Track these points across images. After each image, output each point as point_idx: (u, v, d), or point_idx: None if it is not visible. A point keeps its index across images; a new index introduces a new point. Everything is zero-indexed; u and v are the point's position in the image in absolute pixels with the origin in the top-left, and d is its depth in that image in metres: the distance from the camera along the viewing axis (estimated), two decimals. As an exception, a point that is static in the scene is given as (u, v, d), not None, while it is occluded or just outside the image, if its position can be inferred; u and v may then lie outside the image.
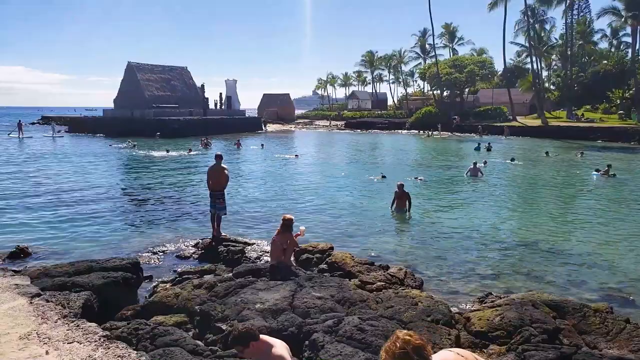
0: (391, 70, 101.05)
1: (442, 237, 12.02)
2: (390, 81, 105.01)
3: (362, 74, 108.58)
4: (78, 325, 4.00)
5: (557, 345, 5.80)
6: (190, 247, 10.72)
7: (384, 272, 8.51)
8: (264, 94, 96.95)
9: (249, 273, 8.18)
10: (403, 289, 7.56)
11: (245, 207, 15.35)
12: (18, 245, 10.08)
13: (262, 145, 39.15)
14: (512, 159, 28.81)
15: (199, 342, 5.77)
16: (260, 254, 10.41)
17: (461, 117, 63.16)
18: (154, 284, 8.38)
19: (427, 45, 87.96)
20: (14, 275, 5.35)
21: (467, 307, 7.65)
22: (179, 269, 9.22)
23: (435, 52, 77.61)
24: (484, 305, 7.36)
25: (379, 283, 7.86)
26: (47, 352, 3.54)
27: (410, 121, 68.39)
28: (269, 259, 9.30)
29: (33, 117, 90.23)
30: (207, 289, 7.45)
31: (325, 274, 8.47)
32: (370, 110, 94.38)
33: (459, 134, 56.85)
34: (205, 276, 8.41)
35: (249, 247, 10.77)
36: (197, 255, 10.26)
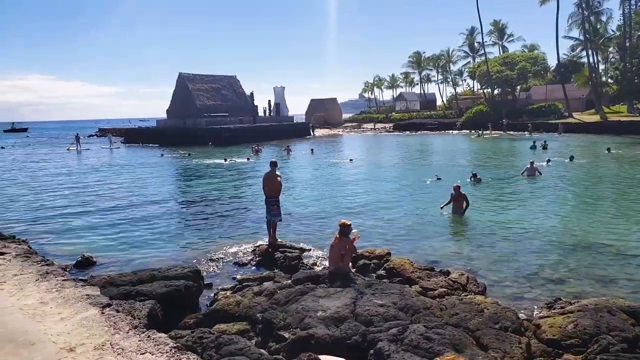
0: (439, 70, 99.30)
1: (502, 239, 11.55)
2: (439, 81, 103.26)
3: (409, 75, 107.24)
4: (149, 336, 4.03)
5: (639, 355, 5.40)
6: (248, 254, 10.79)
7: (445, 277, 8.24)
8: (311, 99, 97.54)
9: (308, 280, 8.15)
10: (466, 295, 7.28)
11: (299, 213, 15.37)
12: (83, 255, 10.45)
13: (312, 150, 39.32)
14: (572, 158, 27.40)
15: (263, 351, 5.75)
16: (317, 260, 10.39)
17: (514, 116, 61.11)
18: (215, 292, 8.46)
19: (475, 44, 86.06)
20: (84, 286, 5.49)
21: (535, 313, 7.27)
22: (238, 276, 9.28)
23: (484, 50, 75.89)
24: (553, 311, 6.96)
25: (440, 289, 7.61)
26: (121, 363, 3.57)
27: (461, 121, 67.03)
28: (327, 265, 9.26)
29: (90, 130, 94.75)
30: (267, 296, 7.45)
31: (384, 281, 8.32)
32: (419, 111, 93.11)
33: (511, 133, 55.04)
34: (264, 283, 8.42)
35: (305, 253, 10.77)
36: (254, 262, 10.31)
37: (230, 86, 68.13)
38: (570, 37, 74.10)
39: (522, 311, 7.29)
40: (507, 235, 11.91)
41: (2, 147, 56.80)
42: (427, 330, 5.64)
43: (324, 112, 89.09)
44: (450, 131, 64.26)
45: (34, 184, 24.00)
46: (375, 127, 78.64)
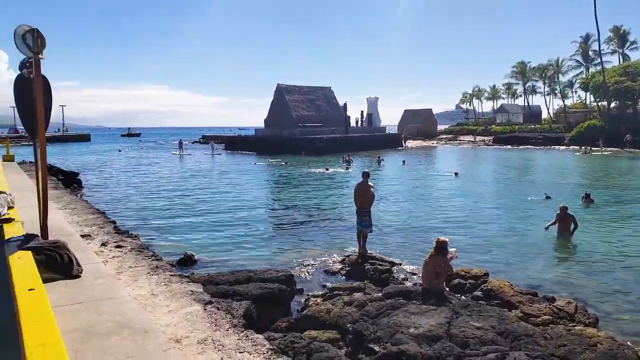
0: (546, 81, 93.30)
1: (619, 267, 10.54)
2: (545, 93, 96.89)
3: (512, 86, 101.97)
4: (247, 336, 4.17)
5: None
6: (337, 263, 10.83)
7: (550, 304, 7.66)
8: (405, 110, 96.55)
9: (400, 294, 7.99)
10: (574, 326, 6.71)
11: (390, 225, 15.18)
12: (186, 253, 11.09)
13: (404, 162, 38.80)
14: None
15: (353, 362, 5.71)
16: (407, 275, 10.18)
17: (634, 132, 55.52)
18: (305, 298, 8.58)
19: (590, 52, 79.30)
20: (189, 282, 5.83)
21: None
22: (329, 284, 9.33)
23: (601, 59, 69.39)
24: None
25: (544, 317, 7.09)
26: (221, 359, 3.71)
27: (570, 136, 62.33)
28: (419, 282, 9.03)
29: (195, 137, 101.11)
30: (358, 307, 7.41)
31: (481, 302, 7.92)
32: (522, 124, 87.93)
33: (631, 150, 50.19)
34: (355, 294, 8.37)
35: (396, 267, 10.58)
36: (344, 272, 10.31)
37: (325, 97, 69.44)
38: None
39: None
40: (624, 263, 10.86)
41: (119, 150, 62.60)
42: None
43: (418, 123, 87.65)
44: (557, 147, 60.15)
45: (143, 185, 26.09)
46: (477, 140, 75.49)
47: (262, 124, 68.68)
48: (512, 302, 7.81)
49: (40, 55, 5.27)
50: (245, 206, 19.04)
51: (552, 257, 11.79)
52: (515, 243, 12.95)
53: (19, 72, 5.76)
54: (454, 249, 8.75)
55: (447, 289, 8.41)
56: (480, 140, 74.49)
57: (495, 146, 66.29)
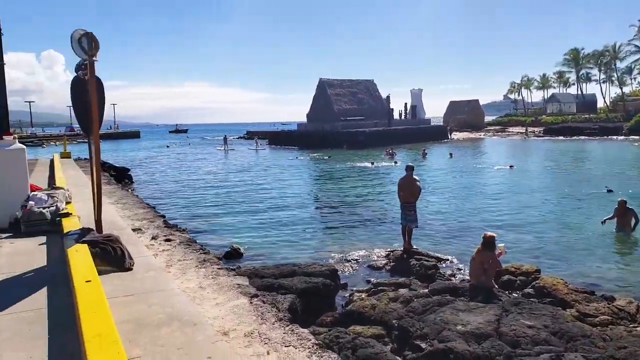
0: (602, 69, 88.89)
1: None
2: (601, 80, 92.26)
3: (563, 75, 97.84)
4: (292, 330, 4.20)
5: None
6: (382, 258, 10.75)
7: (609, 304, 7.31)
8: (450, 101, 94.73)
9: (446, 291, 7.87)
10: (636, 327, 6.38)
11: (436, 220, 14.92)
12: (232, 246, 11.30)
13: (451, 154, 38.05)
14: None
15: (398, 358, 5.66)
16: (454, 271, 9.98)
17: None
18: (350, 293, 8.56)
19: (652, 36, 74.86)
20: (235, 275, 5.94)
21: None
22: (373, 280, 9.29)
23: (663, 43, 65.63)
24: None
25: (602, 317, 6.77)
26: (268, 353, 3.76)
27: (629, 125, 59.31)
28: (467, 278, 8.85)
29: (239, 132, 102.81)
30: (403, 303, 7.34)
31: (532, 300, 7.65)
32: (575, 114, 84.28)
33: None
34: (400, 289, 8.29)
35: (442, 263, 10.41)
36: (389, 267, 10.22)
37: (367, 90, 68.95)
38: None
39: None
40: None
41: (167, 146, 64.56)
42: (586, 361, 5.06)
43: (464, 115, 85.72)
44: (614, 137, 57.31)
45: (190, 180, 26.80)
46: (527, 131, 72.97)
47: (304, 119, 69.04)
48: (566, 301, 7.51)
49: (94, 58, 5.48)
50: (289, 200, 19.20)
51: (610, 254, 11.22)
52: (570, 238, 12.45)
53: (75, 74, 6.00)
54: (503, 245, 8.52)
55: (496, 285, 8.19)
56: (530, 132, 71.99)
57: (546, 137, 63.94)
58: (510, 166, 29.29)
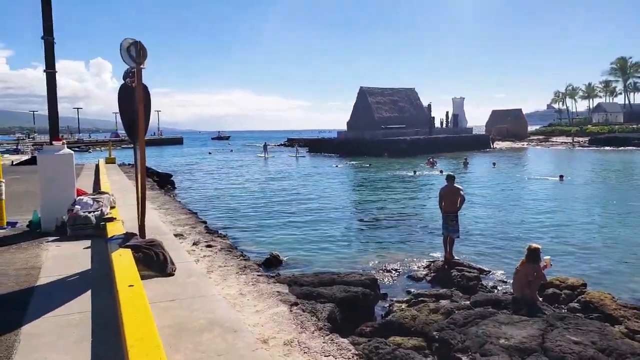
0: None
1: None
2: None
3: (610, 84, 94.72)
4: (332, 340, 4.15)
5: None
6: (422, 269, 10.57)
7: (662, 321, 6.92)
8: (493, 110, 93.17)
9: (489, 303, 7.64)
10: (693, 347, 5.99)
11: (478, 231, 14.58)
12: (272, 253, 11.34)
13: (494, 164, 37.19)
14: None
15: (439, 372, 5.51)
16: (497, 283, 9.74)
17: None
18: (389, 303, 8.45)
19: None
20: (275, 283, 5.95)
21: None
22: (413, 290, 9.13)
23: None
24: None
25: (655, 335, 6.41)
26: (307, 362, 3.72)
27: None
28: (510, 290, 8.59)
29: (280, 139, 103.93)
30: (444, 314, 7.17)
31: (578, 315, 7.34)
32: (622, 124, 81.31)
33: None
34: (441, 301, 8.11)
35: (484, 275, 10.15)
36: (429, 278, 10.05)
37: (408, 98, 68.47)
38: None
39: None
40: None
41: (209, 153, 65.91)
42: (637, 381, 4.78)
43: (507, 124, 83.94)
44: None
45: (231, 186, 27.19)
46: (574, 140, 70.62)
47: (344, 127, 69.17)
48: (614, 317, 7.18)
49: (142, 66, 5.63)
50: (328, 208, 19.18)
51: (662, 270, 10.67)
52: (618, 252, 11.92)
53: (123, 82, 6.19)
54: (548, 257, 8.22)
55: (540, 299, 7.90)
56: (574, 142, 69.68)
57: (592, 148, 61.67)
58: (560, 177, 28.19)
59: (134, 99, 5.90)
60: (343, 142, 60.13)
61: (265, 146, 60.26)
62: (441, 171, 32.44)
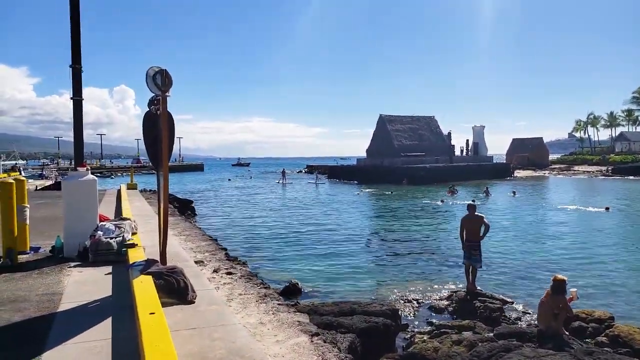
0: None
1: None
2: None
3: (632, 113, 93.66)
4: (354, 372, 4.04)
5: None
6: (444, 299, 10.36)
7: (695, 358, 6.61)
8: (514, 139, 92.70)
9: (513, 335, 7.43)
10: None
11: (501, 261, 14.26)
12: (291, 281, 11.22)
13: (514, 192, 36.69)
14: None
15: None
16: (521, 314, 9.50)
17: None
18: (411, 334, 8.27)
19: None
20: (296, 312, 5.87)
21: None
22: (435, 321, 8.93)
23: None
24: None
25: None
26: (328, 395, 3.62)
27: None
28: (534, 322, 8.36)
29: (299, 166, 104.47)
30: (467, 347, 6.97)
31: (606, 349, 7.06)
32: (645, 154, 80.00)
33: None
34: (463, 332, 7.91)
35: (508, 306, 9.89)
36: (451, 308, 9.83)
37: (428, 126, 68.46)
38: None
39: None
40: None
41: (229, 179, 66.45)
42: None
43: (527, 152, 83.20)
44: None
45: (251, 213, 27.26)
46: (598, 170, 69.43)
47: (363, 154, 69.39)
48: (645, 352, 6.89)
49: (167, 93, 5.74)
50: (349, 236, 19.03)
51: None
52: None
53: (148, 109, 6.31)
54: (575, 290, 7.98)
55: (567, 332, 7.64)
56: (597, 171, 68.55)
57: (615, 177, 60.50)
58: (606, 208, 26.97)
59: (158, 126, 5.99)
60: (362, 169, 60.21)
61: (283, 172, 60.69)
62: (473, 200, 31.78)
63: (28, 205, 8.55)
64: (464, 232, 10.72)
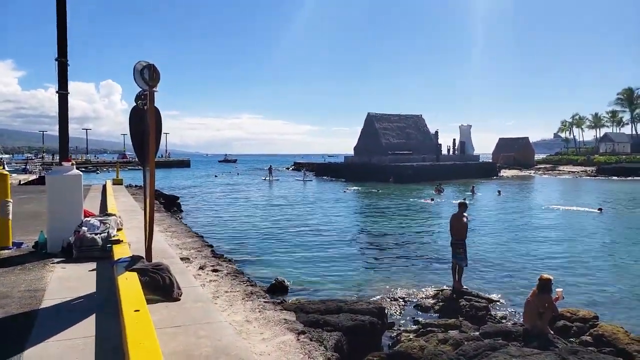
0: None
1: None
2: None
3: (617, 114, 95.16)
4: (340, 371, 4.02)
5: None
6: (430, 298, 10.38)
7: (677, 357, 6.72)
8: (500, 138, 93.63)
9: (499, 334, 7.50)
10: None
11: (488, 259, 14.36)
12: (277, 279, 11.16)
13: (499, 192, 37.06)
14: None
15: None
16: (506, 313, 9.58)
17: None
18: (397, 332, 8.28)
19: None
20: (282, 310, 5.83)
21: None
22: (421, 320, 8.96)
23: None
24: None
25: (671, 371, 6.21)
26: (315, 394, 3.60)
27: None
28: (520, 321, 8.43)
29: (287, 163, 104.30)
30: (453, 345, 7.01)
31: (590, 349, 7.14)
32: (629, 155, 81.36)
33: None
34: (449, 331, 7.94)
35: (494, 305, 9.96)
36: (437, 307, 9.85)
37: (416, 125, 68.78)
38: None
39: None
40: None
41: (216, 176, 66.08)
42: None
43: (513, 152, 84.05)
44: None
45: (237, 209, 27.14)
46: (581, 169, 70.40)
47: (351, 151, 69.58)
48: (628, 352, 7.03)
49: (154, 88, 5.66)
50: (335, 234, 19.03)
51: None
52: (631, 285, 11.69)
53: (135, 104, 6.21)
54: (561, 289, 8.07)
55: (552, 331, 7.72)
56: (581, 171, 69.53)
57: (599, 177, 61.44)
58: (599, 209, 27.02)
59: (145, 121, 5.90)
60: (350, 166, 60.36)
61: (270, 169, 60.54)
62: (467, 197, 31.87)
63: (11, 200, 8.39)
64: (452, 230, 10.79)
